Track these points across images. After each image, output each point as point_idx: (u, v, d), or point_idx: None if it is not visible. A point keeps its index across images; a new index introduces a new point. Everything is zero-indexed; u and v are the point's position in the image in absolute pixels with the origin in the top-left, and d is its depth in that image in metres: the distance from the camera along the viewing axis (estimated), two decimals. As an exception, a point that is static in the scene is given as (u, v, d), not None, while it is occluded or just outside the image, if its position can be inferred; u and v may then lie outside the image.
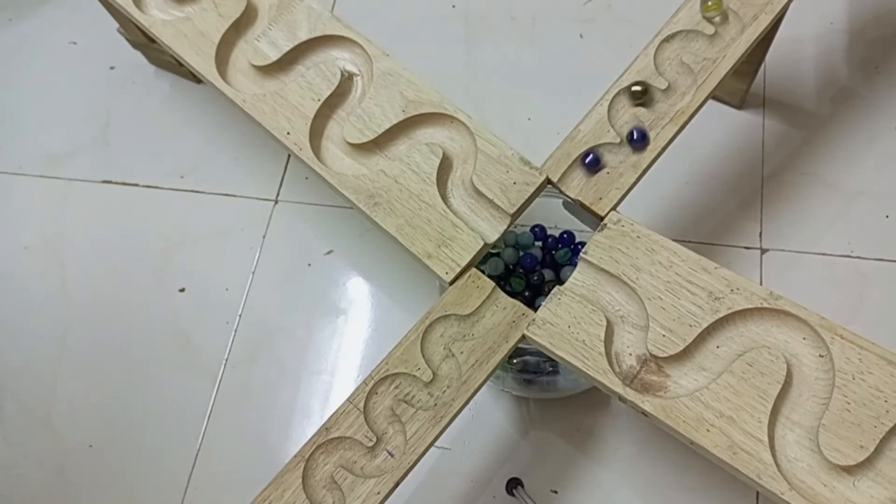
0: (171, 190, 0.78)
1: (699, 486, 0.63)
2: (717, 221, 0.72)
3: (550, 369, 0.60)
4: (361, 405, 0.50)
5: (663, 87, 0.57)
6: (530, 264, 0.64)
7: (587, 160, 0.55)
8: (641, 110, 0.57)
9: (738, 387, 0.48)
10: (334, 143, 0.59)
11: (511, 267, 0.65)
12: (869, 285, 0.68)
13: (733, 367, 0.48)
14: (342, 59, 0.61)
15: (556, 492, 0.64)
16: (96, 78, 0.85)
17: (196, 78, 0.82)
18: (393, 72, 0.59)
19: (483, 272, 0.54)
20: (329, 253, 0.75)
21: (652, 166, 0.56)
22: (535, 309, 0.53)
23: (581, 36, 0.82)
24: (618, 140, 0.56)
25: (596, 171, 0.55)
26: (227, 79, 0.61)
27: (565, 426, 0.66)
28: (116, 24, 0.79)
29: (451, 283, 0.54)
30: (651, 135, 0.56)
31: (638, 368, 0.50)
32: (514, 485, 0.63)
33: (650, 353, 0.50)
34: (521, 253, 0.65)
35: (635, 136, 0.55)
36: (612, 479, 0.64)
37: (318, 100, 0.59)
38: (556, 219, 0.66)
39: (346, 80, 0.60)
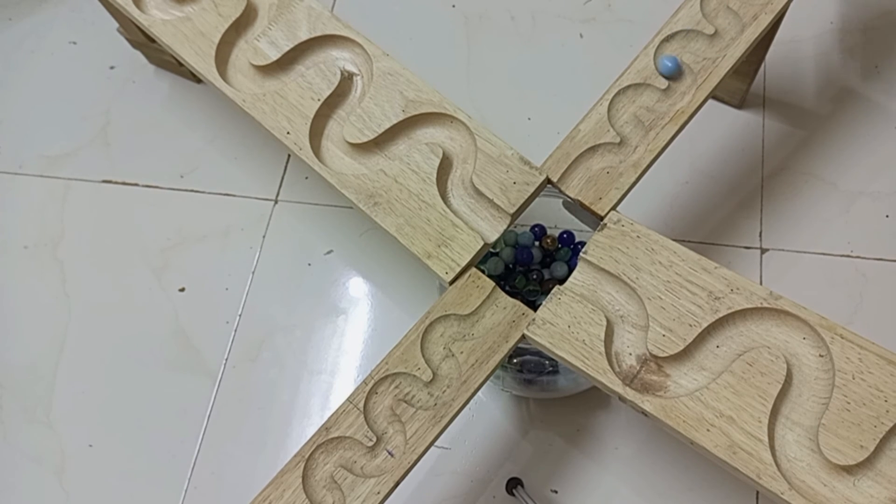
0: (170, 190, 0.78)
1: (699, 486, 0.63)
2: (717, 221, 0.72)
3: (550, 369, 0.60)
4: (361, 405, 0.50)
5: (663, 87, 0.57)
6: (525, 259, 0.64)
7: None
8: (642, 110, 0.57)
9: (738, 386, 0.48)
10: (334, 143, 0.59)
11: (511, 266, 0.65)
12: (869, 285, 0.68)
13: (733, 366, 0.48)
14: (342, 58, 0.61)
15: (556, 492, 0.64)
16: (96, 78, 0.85)
17: (196, 78, 0.82)
18: (393, 71, 0.59)
19: (483, 272, 0.54)
20: (329, 253, 0.75)
21: (652, 166, 0.56)
22: (535, 309, 0.53)
23: (581, 36, 0.82)
24: (618, 140, 0.56)
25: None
26: (227, 79, 0.61)
27: (565, 426, 0.66)
28: (116, 24, 0.79)
29: (451, 282, 0.54)
30: (651, 135, 0.56)
31: (638, 368, 0.50)
32: (514, 485, 0.63)
33: (650, 353, 0.50)
34: (517, 247, 0.65)
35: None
36: (612, 479, 0.64)
37: (318, 99, 0.59)
38: (556, 219, 0.66)
39: (346, 79, 0.60)
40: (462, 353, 0.52)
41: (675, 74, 0.56)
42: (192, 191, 0.78)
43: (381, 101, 0.58)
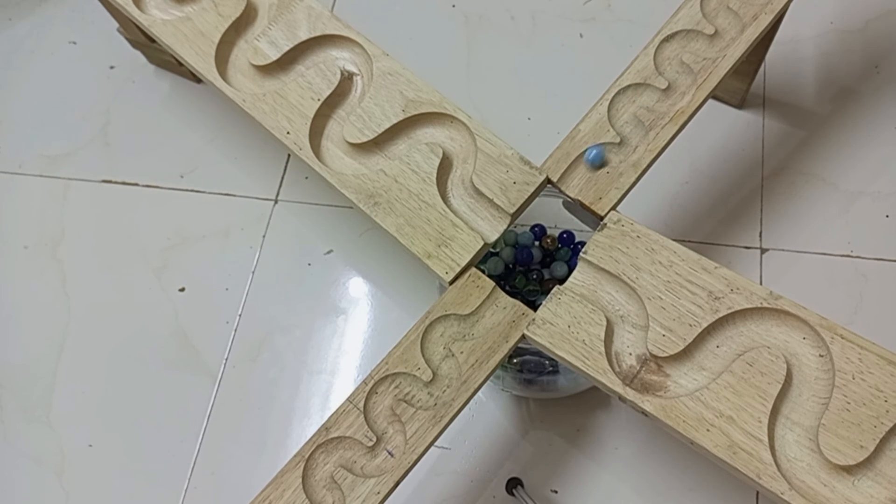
0: (171, 190, 0.78)
1: (699, 486, 0.63)
2: (717, 221, 0.72)
3: (550, 369, 0.60)
4: (361, 405, 0.50)
5: (663, 87, 0.57)
6: (525, 259, 0.64)
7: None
8: (642, 110, 0.57)
9: (737, 386, 0.48)
10: (334, 143, 0.59)
11: (511, 266, 0.65)
12: (869, 285, 0.68)
13: (733, 366, 0.48)
14: (342, 58, 0.61)
15: (556, 492, 0.64)
16: (96, 78, 0.85)
17: (196, 78, 0.82)
18: (393, 71, 0.59)
19: (483, 272, 0.54)
20: (329, 253, 0.75)
21: (652, 166, 0.56)
22: (535, 309, 0.53)
23: (581, 36, 0.82)
24: (618, 140, 0.56)
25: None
26: (227, 78, 0.61)
27: (565, 426, 0.66)
28: (116, 24, 0.79)
29: (451, 282, 0.54)
30: (651, 135, 0.56)
31: (638, 368, 0.50)
32: (514, 485, 0.63)
33: (650, 353, 0.50)
34: (517, 247, 0.65)
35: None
36: (612, 478, 0.64)
37: (318, 99, 0.59)
38: (556, 219, 0.66)
39: (346, 79, 0.60)
40: (462, 353, 0.52)
41: (598, 165, 0.56)
42: (192, 191, 0.78)
43: (381, 101, 0.58)
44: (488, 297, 0.53)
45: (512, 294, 0.58)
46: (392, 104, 0.58)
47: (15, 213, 0.79)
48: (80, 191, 0.79)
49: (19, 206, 0.79)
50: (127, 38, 0.80)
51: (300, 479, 0.48)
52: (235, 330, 0.72)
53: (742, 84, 0.73)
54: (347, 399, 0.51)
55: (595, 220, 0.55)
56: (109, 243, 0.77)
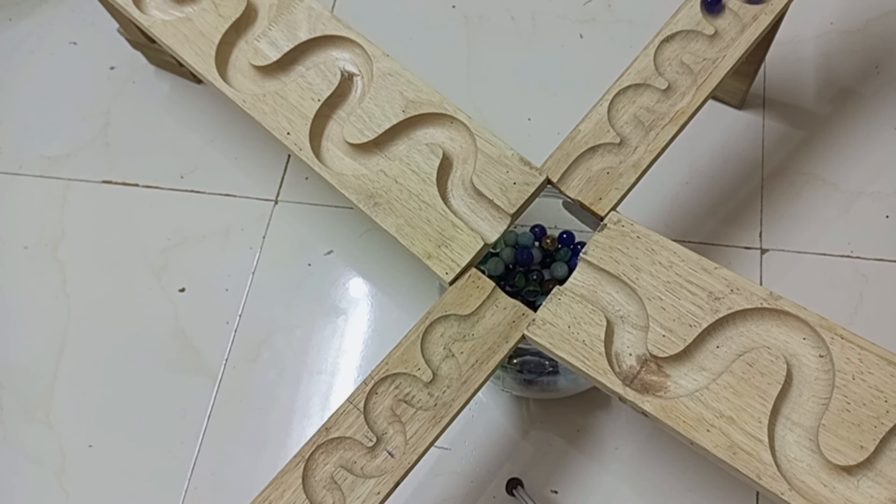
0: (171, 190, 0.78)
1: (699, 486, 0.63)
2: (717, 221, 0.72)
3: (550, 369, 0.61)
4: (361, 405, 0.50)
5: (663, 87, 0.57)
6: (525, 260, 0.64)
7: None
8: (642, 110, 0.57)
9: (738, 387, 0.48)
10: (334, 143, 0.59)
11: (511, 267, 0.65)
12: (869, 285, 0.68)
13: (733, 367, 0.48)
14: (342, 59, 0.61)
15: (556, 492, 0.64)
16: (96, 78, 0.85)
17: (196, 78, 0.82)
18: (393, 72, 0.59)
19: (483, 272, 0.54)
20: (329, 253, 0.75)
21: (652, 167, 0.56)
22: (535, 309, 0.53)
23: (581, 36, 0.82)
24: (618, 140, 0.56)
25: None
26: (227, 79, 0.61)
27: (565, 426, 0.66)
28: (116, 24, 0.79)
29: (451, 283, 0.54)
30: (651, 135, 0.56)
31: (638, 368, 0.50)
32: (514, 485, 0.63)
33: (650, 353, 0.50)
34: (517, 248, 0.65)
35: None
36: (612, 479, 0.64)
37: (318, 100, 0.59)
38: (556, 219, 0.66)
39: (346, 80, 0.60)
40: (462, 353, 0.52)
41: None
42: (192, 191, 0.78)
43: (382, 102, 0.59)
44: (488, 297, 0.53)
45: (512, 294, 0.58)
46: (392, 105, 0.58)
47: (15, 213, 0.79)
48: (80, 191, 0.79)
49: (19, 207, 0.79)
50: (127, 39, 0.80)
51: (300, 480, 0.48)
52: (235, 330, 0.72)
53: (742, 84, 0.73)
54: (347, 399, 0.51)
55: (595, 220, 0.55)
56: (109, 244, 0.77)
